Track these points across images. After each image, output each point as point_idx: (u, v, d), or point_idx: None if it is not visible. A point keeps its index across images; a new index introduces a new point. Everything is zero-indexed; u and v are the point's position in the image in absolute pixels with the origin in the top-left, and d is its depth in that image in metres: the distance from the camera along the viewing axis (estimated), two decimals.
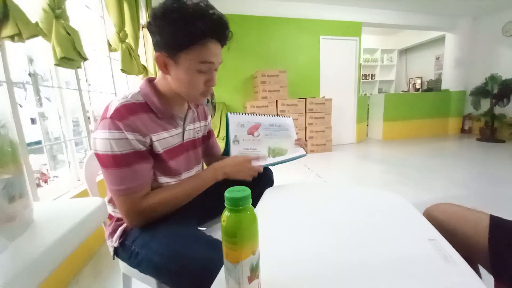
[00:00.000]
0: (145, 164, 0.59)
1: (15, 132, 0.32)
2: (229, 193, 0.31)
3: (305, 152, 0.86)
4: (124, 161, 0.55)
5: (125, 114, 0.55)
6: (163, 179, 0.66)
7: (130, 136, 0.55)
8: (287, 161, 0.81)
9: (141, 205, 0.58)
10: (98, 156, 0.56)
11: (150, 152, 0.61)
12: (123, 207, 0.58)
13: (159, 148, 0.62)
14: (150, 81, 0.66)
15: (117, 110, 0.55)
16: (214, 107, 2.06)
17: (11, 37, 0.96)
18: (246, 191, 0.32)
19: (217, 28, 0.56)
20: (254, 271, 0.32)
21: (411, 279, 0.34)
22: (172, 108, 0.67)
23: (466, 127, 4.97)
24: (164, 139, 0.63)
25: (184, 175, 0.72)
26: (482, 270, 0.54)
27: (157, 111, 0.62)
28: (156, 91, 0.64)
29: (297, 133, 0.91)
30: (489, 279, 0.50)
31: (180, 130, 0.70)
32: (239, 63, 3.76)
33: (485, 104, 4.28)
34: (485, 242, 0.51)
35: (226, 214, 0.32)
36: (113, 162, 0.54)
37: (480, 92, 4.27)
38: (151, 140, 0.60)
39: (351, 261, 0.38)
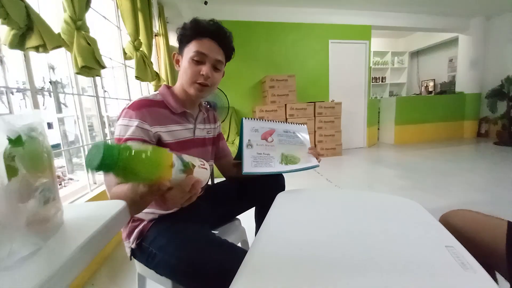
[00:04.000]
0: None
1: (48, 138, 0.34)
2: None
3: (318, 163, 0.86)
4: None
5: (140, 106, 0.65)
6: None
7: (138, 123, 0.62)
8: (300, 170, 0.82)
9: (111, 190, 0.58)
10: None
11: (159, 144, 0.67)
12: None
13: (170, 138, 0.69)
14: (168, 87, 0.76)
15: (135, 102, 0.66)
16: (226, 111, 2.10)
17: (36, 48, 1.01)
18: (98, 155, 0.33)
19: (211, 30, 0.69)
20: None
21: (428, 287, 0.34)
22: (185, 107, 0.75)
23: (483, 131, 4.80)
24: (176, 131, 0.71)
25: None
26: (499, 277, 0.53)
27: (171, 107, 0.72)
28: (172, 93, 0.75)
29: None
30: (506, 286, 0.49)
31: (191, 126, 0.77)
32: (248, 68, 3.80)
33: (502, 107, 4.13)
34: (502, 248, 0.50)
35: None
36: None
37: (496, 94, 4.13)
38: (158, 132, 0.66)
39: (366, 267, 0.38)
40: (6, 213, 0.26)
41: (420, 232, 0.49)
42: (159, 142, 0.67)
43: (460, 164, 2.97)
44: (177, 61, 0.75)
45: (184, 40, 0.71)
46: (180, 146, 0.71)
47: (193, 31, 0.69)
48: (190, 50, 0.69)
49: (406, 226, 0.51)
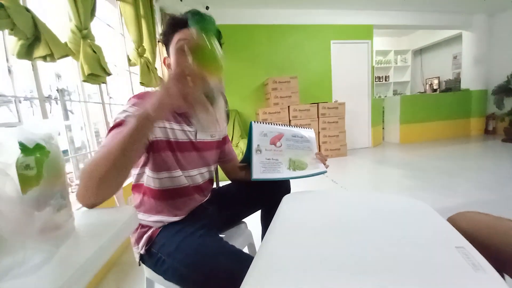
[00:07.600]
0: None
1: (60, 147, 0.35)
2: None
3: (325, 169, 0.85)
4: (116, 125, 0.57)
5: (143, 96, 0.66)
6: (176, 173, 0.69)
7: (136, 111, 0.58)
8: (307, 177, 0.81)
9: None
10: None
11: (159, 142, 0.65)
12: None
13: (170, 136, 0.67)
14: None
15: (139, 93, 0.68)
16: (227, 115, 2.10)
17: (43, 57, 1.04)
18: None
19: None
20: None
21: None
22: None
23: (490, 128, 4.72)
24: (175, 130, 0.69)
25: (192, 172, 0.74)
26: (509, 281, 0.52)
27: None
28: None
29: None
30: None
31: (193, 129, 0.74)
32: (251, 71, 3.82)
33: (509, 103, 4.07)
34: None
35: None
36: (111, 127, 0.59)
37: (503, 91, 4.07)
38: (162, 125, 0.65)
39: (376, 269, 0.38)
40: (21, 221, 0.27)
41: (429, 233, 0.48)
42: (162, 142, 0.66)
43: (467, 162, 2.92)
44: (169, 65, 0.72)
45: (168, 40, 0.69)
46: (179, 147, 0.69)
47: (172, 26, 0.67)
48: (174, 41, 0.67)
49: (415, 227, 0.51)
